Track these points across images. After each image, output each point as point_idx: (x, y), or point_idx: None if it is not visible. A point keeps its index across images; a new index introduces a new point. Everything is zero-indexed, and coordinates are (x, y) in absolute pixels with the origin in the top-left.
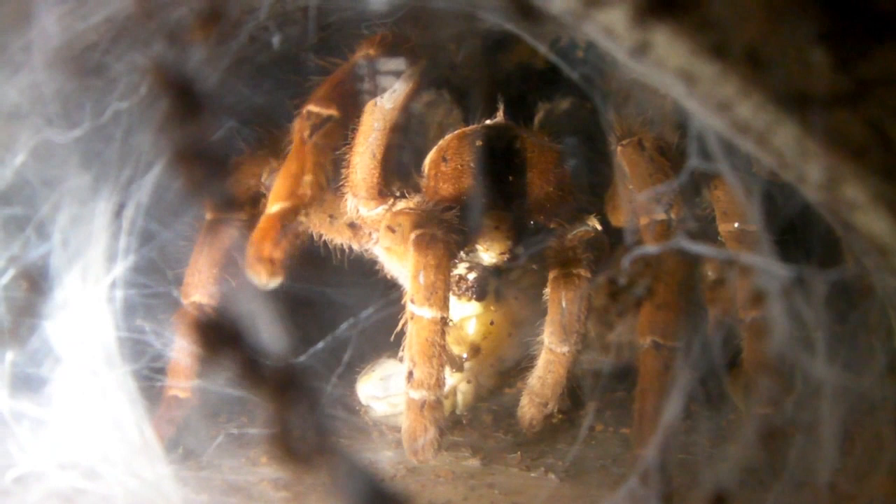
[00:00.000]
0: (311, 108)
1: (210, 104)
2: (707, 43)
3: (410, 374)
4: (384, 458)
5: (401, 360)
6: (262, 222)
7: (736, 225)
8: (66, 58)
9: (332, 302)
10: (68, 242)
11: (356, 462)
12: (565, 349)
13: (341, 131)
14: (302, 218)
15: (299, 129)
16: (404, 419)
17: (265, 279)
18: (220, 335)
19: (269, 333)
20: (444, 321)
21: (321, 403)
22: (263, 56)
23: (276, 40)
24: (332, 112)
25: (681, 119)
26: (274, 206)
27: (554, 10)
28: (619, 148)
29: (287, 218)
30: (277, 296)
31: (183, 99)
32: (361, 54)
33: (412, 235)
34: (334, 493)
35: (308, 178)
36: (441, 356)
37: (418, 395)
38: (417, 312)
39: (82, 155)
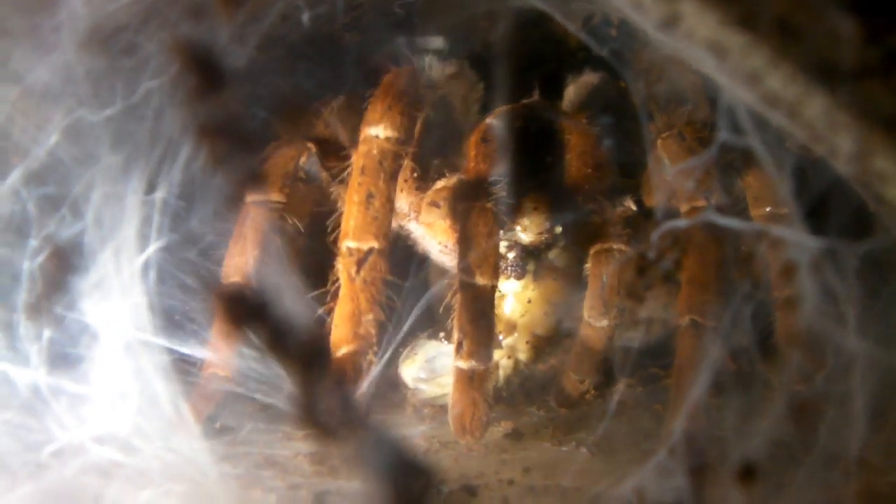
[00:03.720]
0: (349, 244)
1: (242, 86)
2: (736, 13)
3: (460, 344)
4: (418, 433)
5: (442, 339)
6: (338, 367)
7: (768, 209)
8: (97, 38)
9: None
10: (102, 221)
11: (385, 434)
12: (604, 323)
13: (386, 260)
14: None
15: (345, 267)
16: (452, 394)
17: (335, 439)
18: (249, 311)
19: (297, 309)
20: (494, 289)
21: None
22: (296, 39)
23: (306, 19)
24: (372, 244)
25: (712, 95)
26: (341, 350)
27: None
28: (658, 141)
29: (356, 359)
30: (311, 273)
31: (210, 78)
32: (372, 137)
33: (461, 207)
34: (360, 465)
35: (367, 317)
36: (492, 325)
37: (467, 365)
38: (469, 281)
39: (115, 134)
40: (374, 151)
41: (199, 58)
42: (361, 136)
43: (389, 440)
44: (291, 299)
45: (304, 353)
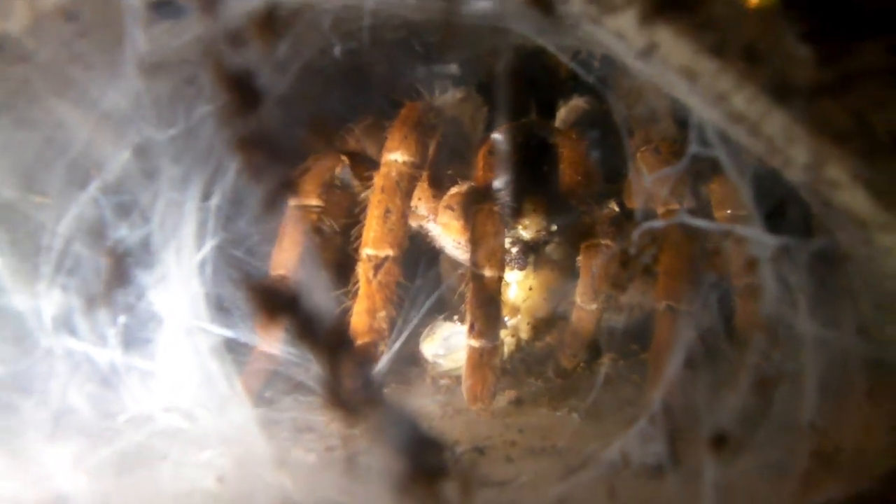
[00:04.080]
0: (368, 251)
1: (284, 108)
2: (707, 42)
3: (472, 326)
4: (435, 402)
5: (456, 321)
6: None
7: (728, 211)
8: (163, 69)
9: None
10: (165, 224)
11: (401, 411)
12: (593, 306)
13: (399, 266)
14: None
15: (364, 270)
16: (465, 368)
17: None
18: (282, 302)
19: (326, 300)
20: (500, 279)
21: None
22: (332, 70)
23: (338, 52)
24: (388, 252)
25: (681, 115)
26: (357, 340)
27: (574, 14)
28: (638, 154)
29: (369, 350)
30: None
31: (253, 102)
32: (391, 162)
33: (472, 209)
34: (379, 439)
35: (381, 314)
36: (499, 309)
37: (478, 343)
38: (479, 272)
39: (176, 150)
40: (393, 173)
41: (242, 85)
42: (382, 160)
43: (405, 416)
44: (323, 291)
45: (329, 340)
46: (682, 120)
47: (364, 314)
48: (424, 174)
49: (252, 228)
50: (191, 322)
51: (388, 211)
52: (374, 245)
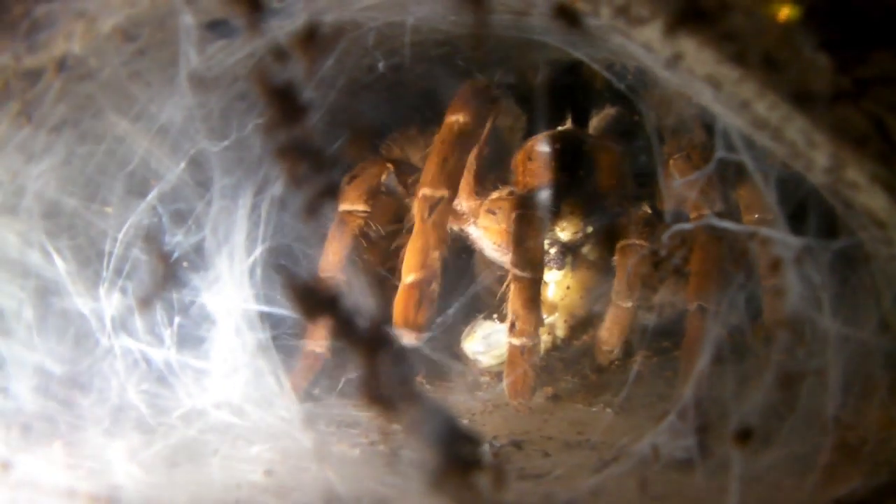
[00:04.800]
0: (426, 191)
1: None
2: (729, 51)
3: (513, 325)
4: (476, 398)
5: (496, 320)
6: (402, 291)
7: (756, 215)
8: (216, 87)
9: None
10: (218, 230)
11: (437, 407)
12: (629, 304)
13: (452, 207)
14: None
15: (419, 210)
16: (506, 366)
17: (414, 340)
18: (322, 302)
19: (367, 299)
20: (540, 281)
21: (407, 357)
22: (379, 85)
23: (381, 67)
24: (444, 192)
25: (709, 122)
26: (409, 277)
27: (603, 26)
28: (671, 161)
29: (423, 286)
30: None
31: (296, 114)
32: (453, 121)
33: (514, 214)
34: (417, 434)
35: (434, 253)
36: (539, 309)
37: (519, 341)
38: (520, 274)
39: (229, 161)
40: (455, 128)
41: (287, 96)
42: (445, 121)
43: (441, 412)
44: (365, 290)
45: (368, 338)
46: (710, 127)
47: (418, 252)
48: (476, 150)
49: (299, 231)
50: (241, 322)
51: (446, 159)
52: (430, 185)
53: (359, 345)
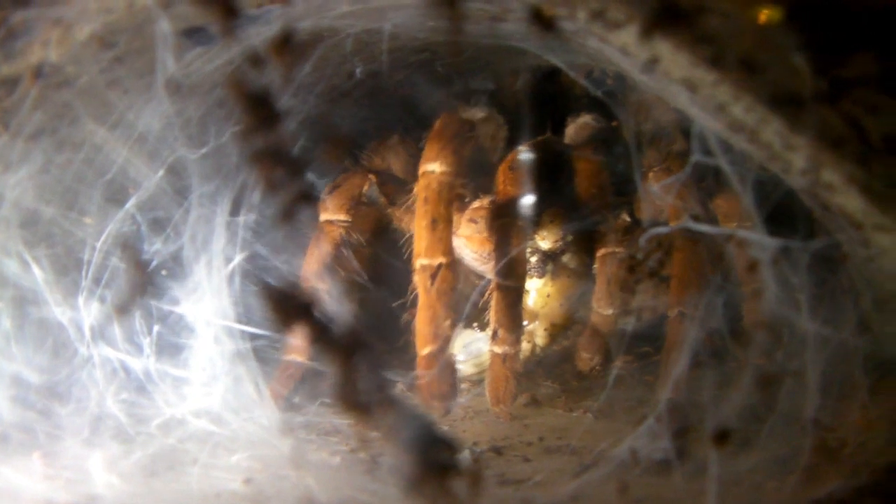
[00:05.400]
0: (423, 261)
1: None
2: (705, 54)
3: (495, 333)
4: (457, 404)
5: (476, 328)
6: (422, 364)
7: (734, 224)
8: (195, 93)
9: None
10: (196, 238)
11: (414, 411)
12: (609, 311)
13: (454, 272)
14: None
15: (421, 281)
16: (488, 373)
17: (442, 413)
18: (297, 309)
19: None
20: (522, 289)
21: (380, 363)
22: (358, 92)
23: (359, 73)
24: (440, 259)
25: (686, 129)
26: (424, 350)
27: (579, 31)
28: (650, 174)
29: (439, 356)
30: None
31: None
32: (430, 172)
33: (496, 223)
34: (393, 439)
35: (445, 322)
36: (521, 317)
37: (501, 349)
38: (503, 283)
39: (207, 168)
40: (433, 184)
41: (262, 103)
42: (420, 171)
43: (418, 418)
44: (343, 298)
45: (342, 344)
46: (688, 132)
47: (428, 324)
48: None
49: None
50: (220, 330)
51: (434, 221)
52: (426, 255)
53: (335, 351)
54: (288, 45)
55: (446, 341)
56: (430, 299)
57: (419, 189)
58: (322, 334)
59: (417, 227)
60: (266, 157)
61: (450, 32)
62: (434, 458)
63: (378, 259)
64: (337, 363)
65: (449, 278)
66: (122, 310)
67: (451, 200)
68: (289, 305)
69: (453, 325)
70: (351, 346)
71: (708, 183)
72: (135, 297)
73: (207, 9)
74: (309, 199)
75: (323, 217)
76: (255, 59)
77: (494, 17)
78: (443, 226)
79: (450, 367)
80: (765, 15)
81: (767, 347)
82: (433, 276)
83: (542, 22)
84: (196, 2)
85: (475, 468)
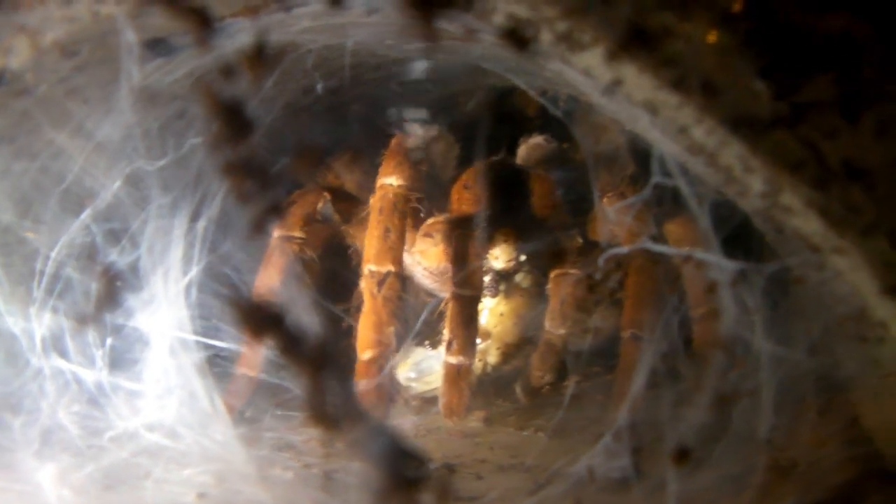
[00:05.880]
0: (371, 267)
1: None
2: (669, 77)
3: (450, 343)
4: (408, 422)
5: (427, 346)
6: (361, 369)
7: (686, 249)
8: (155, 104)
9: None
10: (153, 250)
11: (382, 425)
12: (562, 331)
13: (401, 283)
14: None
15: (367, 286)
16: (442, 384)
17: (382, 418)
18: (267, 321)
19: (308, 319)
20: (479, 300)
21: (350, 375)
22: (315, 106)
23: (320, 89)
24: (389, 267)
25: (638, 151)
26: (365, 354)
27: (543, 52)
28: (604, 199)
29: (380, 362)
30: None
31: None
32: (387, 186)
33: (454, 234)
34: (361, 452)
35: (389, 329)
36: (475, 328)
37: (456, 360)
38: (459, 292)
39: (165, 180)
40: (390, 196)
41: (233, 113)
42: (378, 184)
43: (386, 430)
44: (305, 312)
45: (312, 356)
46: (640, 155)
47: (371, 329)
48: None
49: (237, 249)
50: (175, 343)
51: (387, 230)
52: (376, 261)
53: (302, 362)
54: (258, 57)
55: (388, 349)
56: (376, 305)
57: (375, 200)
58: (291, 346)
59: (370, 235)
60: (237, 167)
61: (425, 51)
62: (402, 471)
63: (330, 275)
64: (306, 376)
65: (396, 287)
66: (86, 320)
67: (404, 213)
68: (258, 316)
69: (395, 334)
70: (320, 359)
71: (656, 210)
72: (101, 308)
73: (182, 19)
74: (279, 210)
75: (277, 233)
76: (227, 70)
77: (460, 38)
78: (395, 236)
79: (389, 375)
80: (714, 37)
81: (721, 368)
82: (380, 283)
83: (516, 42)
84: (170, 12)
85: (443, 482)
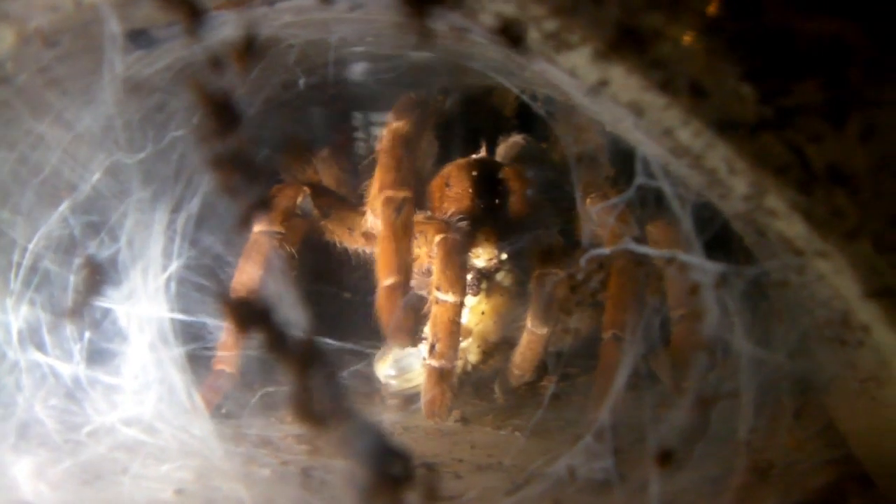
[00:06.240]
0: (388, 193)
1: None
2: (656, 78)
3: (433, 347)
4: (385, 420)
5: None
6: (384, 295)
7: (666, 252)
8: (135, 96)
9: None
10: (133, 243)
11: (366, 421)
12: (544, 330)
13: (414, 205)
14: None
15: (384, 212)
16: (425, 386)
17: (406, 345)
18: (253, 317)
19: (293, 314)
20: (462, 305)
21: (337, 372)
22: (297, 102)
23: (301, 84)
24: (405, 193)
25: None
26: (388, 280)
27: (529, 51)
28: (587, 200)
29: (402, 289)
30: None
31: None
32: (395, 127)
33: (438, 238)
34: (346, 450)
35: (408, 256)
36: (458, 332)
37: (439, 363)
38: (442, 298)
39: (145, 173)
40: (401, 132)
41: (220, 105)
42: (387, 127)
43: (372, 428)
44: (288, 308)
45: (298, 353)
46: (618, 157)
47: (391, 254)
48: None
49: (217, 242)
50: (154, 337)
51: (399, 160)
52: (392, 187)
53: (288, 358)
54: (246, 50)
55: (408, 275)
56: (395, 230)
57: (384, 140)
58: (279, 341)
59: (382, 165)
60: (225, 160)
61: (419, 46)
62: (388, 469)
63: (309, 270)
64: (293, 372)
65: (412, 213)
66: (72, 313)
67: (410, 151)
68: (246, 310)
69: (412, 260)
70: (307, 355)
71: (637, 212)
72: (87, 300)
73: (171, 9)
74: (266, 205)
75: (257, 228)
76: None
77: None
78: (407, 168)
79: (412, 300)
80: (702, 39)
81: (700, 370)
82: (398, 209)
83: (510, 38)
84: (160, 2)
85: (430, 480)
